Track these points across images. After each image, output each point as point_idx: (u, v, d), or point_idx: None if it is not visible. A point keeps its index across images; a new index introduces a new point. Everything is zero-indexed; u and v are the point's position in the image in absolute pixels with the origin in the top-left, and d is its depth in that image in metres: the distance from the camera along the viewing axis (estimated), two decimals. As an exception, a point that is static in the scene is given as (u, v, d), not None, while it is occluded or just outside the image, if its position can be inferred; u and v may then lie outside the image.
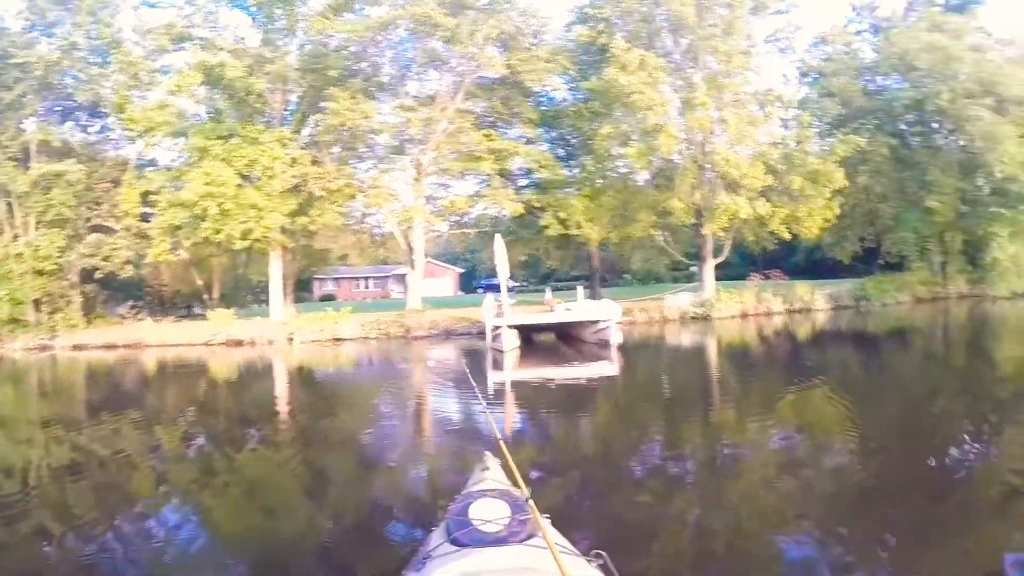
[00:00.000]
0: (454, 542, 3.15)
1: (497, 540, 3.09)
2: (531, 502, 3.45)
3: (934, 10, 36.73)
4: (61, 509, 7.53)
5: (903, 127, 36.54)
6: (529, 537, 3.14)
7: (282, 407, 14.99)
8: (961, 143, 34.25)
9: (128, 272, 31.99)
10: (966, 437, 8.79)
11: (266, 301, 32.93)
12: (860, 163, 32.99)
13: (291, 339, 27.60)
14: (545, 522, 3.34)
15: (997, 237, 32.05)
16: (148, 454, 10.37)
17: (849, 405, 11.81)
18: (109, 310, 35.59)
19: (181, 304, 40.44)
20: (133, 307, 35.67)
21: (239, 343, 26.91)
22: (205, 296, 36.73)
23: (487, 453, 4.57)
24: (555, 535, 3.33)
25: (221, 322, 28.62)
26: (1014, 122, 31.27)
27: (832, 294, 32.67)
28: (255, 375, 20.66)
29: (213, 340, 27.48)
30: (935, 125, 35.78)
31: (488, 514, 3.26)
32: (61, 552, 6.22)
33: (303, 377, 20.37)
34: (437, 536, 3.37)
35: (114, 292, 36.31)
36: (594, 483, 7.83)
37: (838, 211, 31.20)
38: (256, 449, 10.64)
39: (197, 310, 35.05)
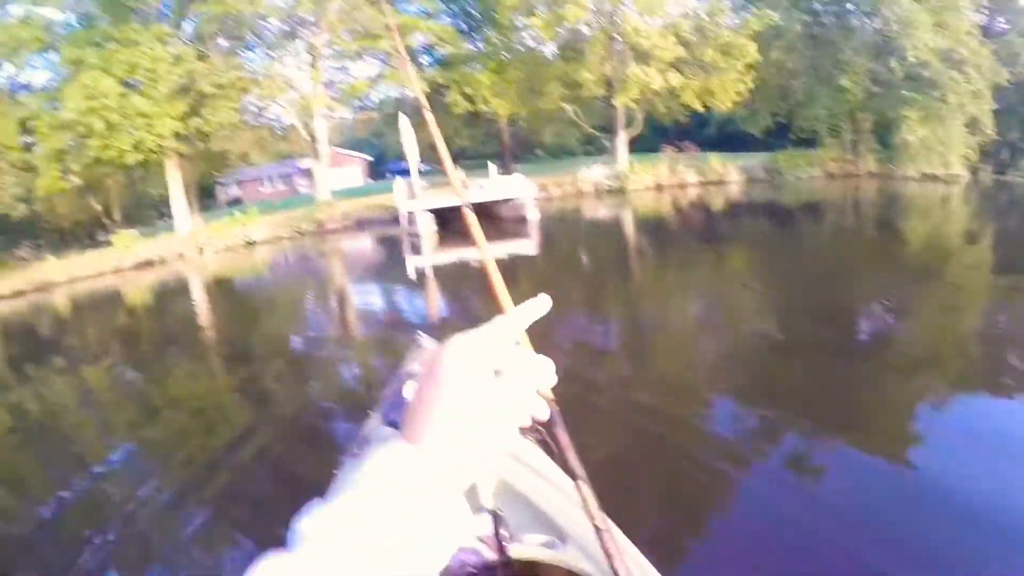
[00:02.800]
0: (390, 424, 2.99)
1: None
2: None
3: None
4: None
5: (818, 5, 36.90)
6: None
7: (205, 322, 15.18)
8: (876, 26, 34.90)
9: (21, 211, 30.66)
10: (876, 305, 9.86)
11: (171, 215, 31.91)
12: (774, 38, 33.49)
13: (201, 250, 27.30)
14: None
15: (907, 120, 33.06)
16: (80, 396, 10.46)
17: (765, 273, 12.87)
18: (7, 254, 33.92)
19: (83, 235, 38.78)
20: (33, 247, 34.10)
21: (149, 264, 26.31)
22: (106, 221, 35.49)
23: (420, 333, 4.62)
24: None
25: (126, 245, 27.78)
26: (931, 11, 32.00)
27: (745, 167, 33.65)
28: (171, 294, 20.56)
29: (122, 265, 26.69)
30: (850, 6, 36.27)
31: None
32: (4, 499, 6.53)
33: (221, 288, 20.49)
34: (374, 419, 3.39)
35: (9, 234, 34.52)
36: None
37: (751, 85, 31.89)
38: (185, 368, 10.87)
39: (101, 237, 33.68)
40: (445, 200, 23.79)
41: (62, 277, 25.13)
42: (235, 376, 9.91)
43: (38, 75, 32.33)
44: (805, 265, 13.76)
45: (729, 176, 32.79)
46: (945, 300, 10.20)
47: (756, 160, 34.70)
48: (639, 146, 36.01)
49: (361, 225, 28.59)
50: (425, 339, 4.48)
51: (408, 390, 3.14)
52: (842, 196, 28.69)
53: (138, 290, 21.99)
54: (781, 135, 37.80)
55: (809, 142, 36.44)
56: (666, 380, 7.32)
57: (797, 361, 7.50)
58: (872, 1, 33.17)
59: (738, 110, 35.35)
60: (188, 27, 30.46)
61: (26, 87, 32.02)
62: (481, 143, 45.42)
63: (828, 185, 31.93)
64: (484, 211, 24.35)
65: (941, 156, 32.75)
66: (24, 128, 29.21)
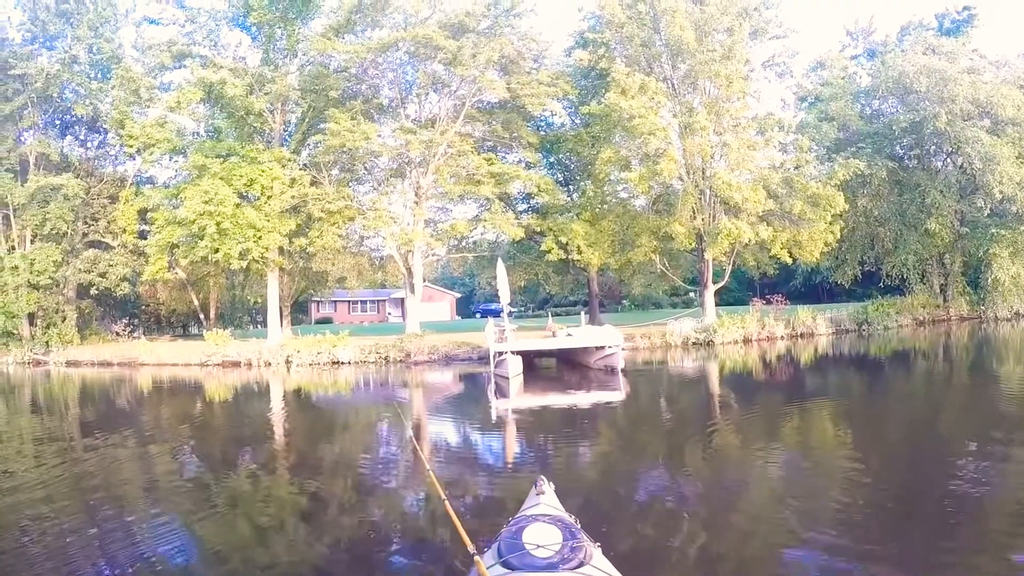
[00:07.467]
0: (505, 564, 3.11)
1: (548, 566, 3.04)
2: (583, 530, 3.41)
3: (928, 34, 36.53)
4: (50, 528, 6.99)
5: (900, 150, 36.15)
6: (580, 565, 3.08)
7: (277, 428, 14.11)
8: (959, 165, 33.86)
9: (124, 289, 31.68)
10: (973, 456, 8.65)
11: (263, 322, 32.17)
12: (859, 186, 32.53)
13: (289, 362, 26.61)
14: (596, 550, 3.32)
15: (997, 258, 31.50)
16: (142, 475, 9.73)
17: (857, 427, 11.42)
18: (104, 327, 35.00)
19: (177, 324, 39.64)
20: (128, 325, 34.87)
21: (236, 364, 26.11)
22: (201, 316, 36.06)
23: (542, 477, 4.40)
24: (605, 564, 3.29)
25: (217, 343, 27.73)
26: (1011, 142, 30.88)
27: (833, 318, 31.94)
28: (252, 397, 19.81)
29: (209, 361, 26.65)
30: (932, 148, 35.38)
31: (541, 539, 3.22)
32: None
33: (300, 400, 19.34)
34: (489, 557, 3.29)
35: (109, 309, 35.92)
36: (629, 510, 7.26)
37: (838, 235, 30.60)
38: (252, 472, 9.86)
39: (193, 330, 34.26)
40: (534, 344, 22.79)
41: (150, 359, 25.13)
42: (294, 484, 8.92)
43: (163, 172, 34.01)
44: (898, 418, 12.27)
45: (818, 328, 30.91)
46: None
47: (845, 311, 33.10)
48: (726, 298, 34.62)
49: (447, 360, 27.40)
50: (545, 484, 4.37)
51: (528, 535, 3.26)
52: (933, 343, 26.82)
53: (220, 386, 21.36)
54: (867, 283, 36.11)
55: (897, 289, 34.67)
56: (753, 541, 6.17)
57: (896, 520, 6.32)
58: (953, 141, 31.92)
59: (824, 260, 33.95)
60: (306, 154, 31.34)
61: (150, 181, 33.55)
62: (569, 290, 44.85)
63: (918, 333, 30.17)
64: (572, 358, 23.19)
65: (1033, 292, 30.69)
66: (142, 218, 30.39)
